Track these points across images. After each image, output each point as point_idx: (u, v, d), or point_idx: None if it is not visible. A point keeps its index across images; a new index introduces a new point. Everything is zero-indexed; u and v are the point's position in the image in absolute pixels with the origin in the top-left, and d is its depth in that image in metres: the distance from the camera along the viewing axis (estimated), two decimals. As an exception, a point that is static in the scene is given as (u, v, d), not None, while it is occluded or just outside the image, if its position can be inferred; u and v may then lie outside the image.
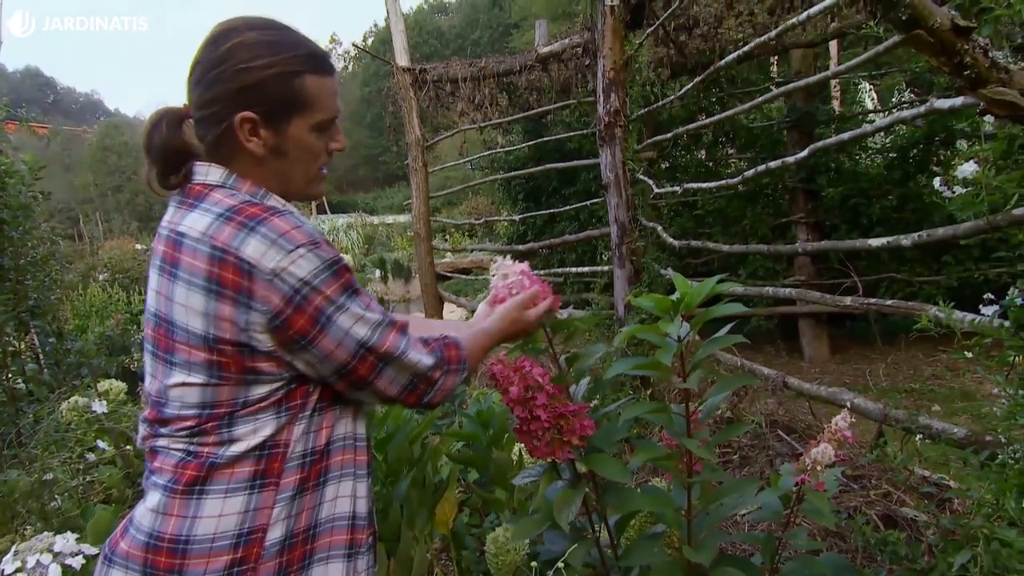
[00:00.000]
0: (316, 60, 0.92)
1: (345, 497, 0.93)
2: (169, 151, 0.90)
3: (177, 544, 0.82)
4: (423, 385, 0.94)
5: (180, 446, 0.85)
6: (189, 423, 0.85)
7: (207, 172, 0.90)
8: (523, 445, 1.13)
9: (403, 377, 0.91)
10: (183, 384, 0.85)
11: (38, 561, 1.27)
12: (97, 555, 0.94)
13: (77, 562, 1.30)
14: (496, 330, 1.07)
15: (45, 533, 1.34)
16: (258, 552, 0.83)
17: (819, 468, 1.13)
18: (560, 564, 1.09)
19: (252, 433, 0.84)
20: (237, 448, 0.84)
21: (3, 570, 1.25)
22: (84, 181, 26.37)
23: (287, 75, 0.88)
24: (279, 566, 0.85)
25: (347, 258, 0.92)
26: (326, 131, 0.94)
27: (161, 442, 0.87)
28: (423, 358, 0.93)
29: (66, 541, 1.32)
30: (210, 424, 0.84)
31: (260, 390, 0.84)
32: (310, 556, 0.88)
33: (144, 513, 0.86)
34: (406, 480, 1.65)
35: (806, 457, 1.15)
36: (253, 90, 0.87)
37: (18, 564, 1.26)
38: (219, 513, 0.83)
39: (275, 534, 0.85)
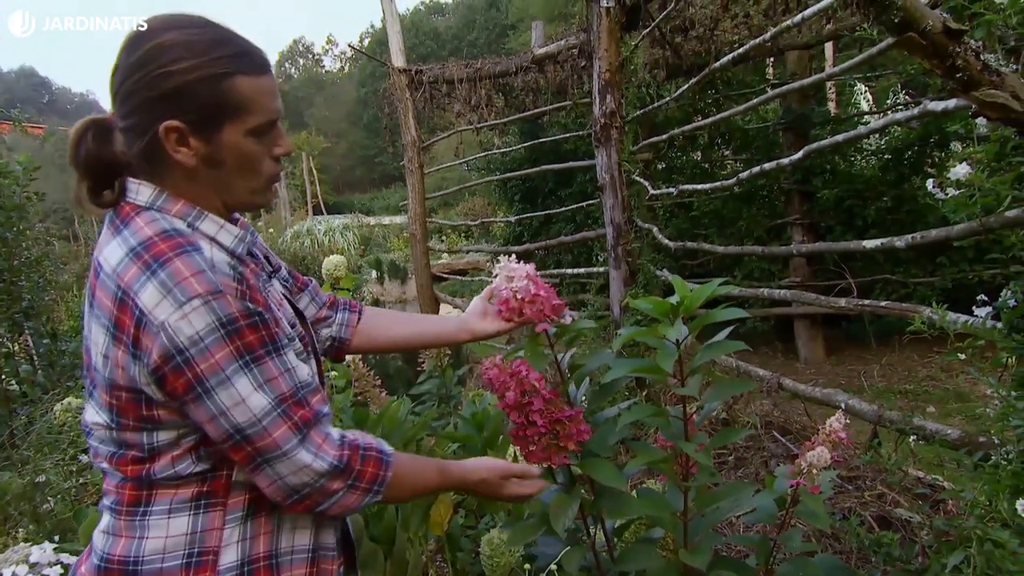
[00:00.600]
0: (247, 59, 0.81)
1: (304, 528, 0.87)
2: (97, 165, 0.82)
3: (127, 565, 0.79)
4: (316, 495, 0.81)
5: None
6: (111, 459, 0.82)
7: (137, 191, 0.81)
8: (518, 448, 1.12)
9: (292, 480, 0.79)
10: (94, 422, 0.82)
11: (14, 574, 1.24)
12: None
13: (55, 572, 1.27)
14: (457, 479, 0.97)
15: (22, 544, 1.30)
16: None
17: (814, 471, 1.13)
18: (553, 567, 1.09)
19: (174, 470, 0.80)
20: (169, 475, 0.80)
21: None
22: (79, 182, 26.25)
23: (214, 77, 0.78)
24: None
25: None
26: (266, 135, 0.84)
27: (104, 464, 0.84)
28: (318, 461, 0.79)
29: (43, 552, 1.28)
30: (132, 464, 0.80)
31: (166, 435, 0.79)
32: None
33: (98, 535, 0.85)
34: (401, 482, 1.64)
35: (801, 460, 1.15)
36: (176, 97, 0.77)
37: (-8, 577, 1.23)
38: (165, 534, 0.79)
39: (229, 558, 0.80)
